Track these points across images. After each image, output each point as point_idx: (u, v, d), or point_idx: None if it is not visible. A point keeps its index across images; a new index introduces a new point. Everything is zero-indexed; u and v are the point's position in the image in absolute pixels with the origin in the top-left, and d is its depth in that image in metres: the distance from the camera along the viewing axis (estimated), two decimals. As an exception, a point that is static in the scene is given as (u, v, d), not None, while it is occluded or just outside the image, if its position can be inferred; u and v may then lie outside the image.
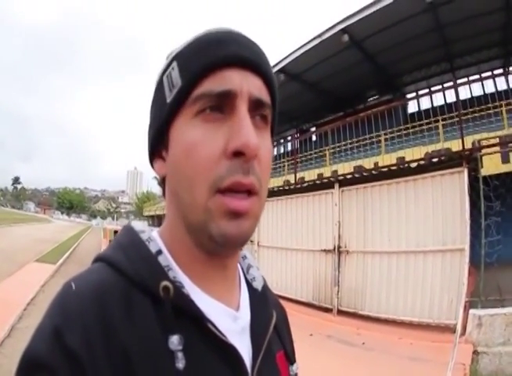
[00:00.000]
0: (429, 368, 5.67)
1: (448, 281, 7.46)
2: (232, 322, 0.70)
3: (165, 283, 0.62)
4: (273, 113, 0.73)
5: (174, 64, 0.67)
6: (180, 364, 0.58)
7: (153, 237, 0.70)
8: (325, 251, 10.35)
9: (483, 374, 5.58)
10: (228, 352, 0.64)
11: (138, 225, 0.74)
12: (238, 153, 0.61)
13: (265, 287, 0.86)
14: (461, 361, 5.47)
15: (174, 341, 0.58)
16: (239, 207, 0.61)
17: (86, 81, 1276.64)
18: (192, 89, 0.63)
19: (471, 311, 6.32)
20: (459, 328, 6.30)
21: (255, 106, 0.66)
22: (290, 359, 0.83)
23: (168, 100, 0.67)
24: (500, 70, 17.64)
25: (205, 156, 0.61)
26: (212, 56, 0.64)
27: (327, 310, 9.89)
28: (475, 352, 5.87)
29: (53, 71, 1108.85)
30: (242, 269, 0.85)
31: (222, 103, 0.63)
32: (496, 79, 18.30)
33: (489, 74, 17.70)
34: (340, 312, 9.55)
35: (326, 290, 10.19)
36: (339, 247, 9.96)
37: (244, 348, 0.68)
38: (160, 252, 0.67)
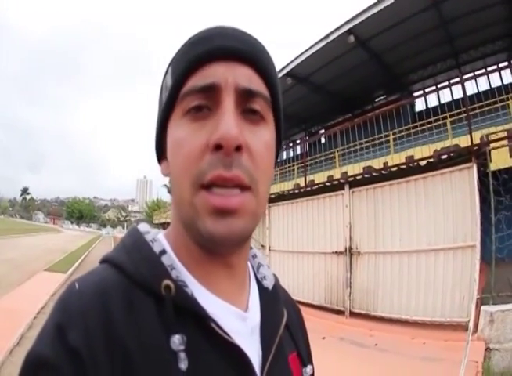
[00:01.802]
0: (442, 367, 5.64)
1: (460, 279, 7.42)
2: (240, 322, 0.68)
3: (167, 281, 0.61)
4: (275, 103, 0.69)
5: (169, 68, 0.68)
6: (182, 365, 0.56)
7: (158, 238, 0.70)
8: (336, 253, 10.36)
9: (495, 370, 5.53)
10: (233, 352, 0.62)
11: (144, 226, 0.74)
12: (218, 146, 0.58)
13: (277, 285, 0.83)
14: (474, 359, 5.43)
15: (176, 340, 0.57)
16: (227, 205, 0.59)
17: (95, 90, 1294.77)
18: (180, 88, 0.63)
19: (483, 308, 6.27)
20: (471, 325, 6.25)
21: (245, 96, 0.63)
22: (304, 360, 0.79)
23: (163, 102, 0.68)
24: (505, 63, 17.50)
25: (188, 152, 0.61)
26: (194, 52, 0.63)
27: (339, 312, 9.89)
28: (487, 349, 5.84)
29: (61, 81, 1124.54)
30: (252, 268, 0.82)
31: (209, 99, 0.62)
32: (502, 72, 18.28)
33: (495, 67, 17.58)
34: (353, 314, 9.55)
35: (338, 292, 10.19)
36: (350, 248, 9.97)
37: (254, 349, 0.67)
38: (163, 252, 0.67)
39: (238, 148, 0.59)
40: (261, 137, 0.65)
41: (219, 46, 0.62)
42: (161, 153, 0.72)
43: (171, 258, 0.66)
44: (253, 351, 0.66)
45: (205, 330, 0.61)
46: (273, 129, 0.69)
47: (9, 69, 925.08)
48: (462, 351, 5.43)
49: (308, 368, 0.79)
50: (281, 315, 0.77)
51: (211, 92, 0.61)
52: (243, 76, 0.63)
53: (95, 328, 0.54)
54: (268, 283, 0.80)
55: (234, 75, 0.62)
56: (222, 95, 0.61)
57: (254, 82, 0.64)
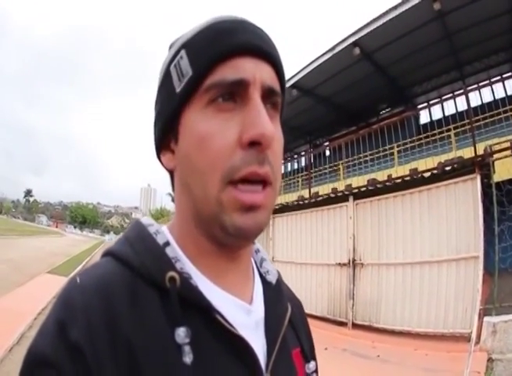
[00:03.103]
0: (444, 378, 5.58)
1: (463, 290, 7.38)
2: (245, 315, 0.68)
3: (171, 273, 0.61)
4: (282, 101, 0.71)
5: (183, 53, 0.65)
6: (187, 358, 0.56)
7: (161, 230, 0.70)
8: (340, 264, 10.34)
9: (498, 380, 5.48)
10: (239, 345, 0.62)
11: (147, 219, 0.73)
12: (253, 143, 0.59)
13: (280, 280, 0.83)
14: (476, 369, 5.40)
15: (181, 333, 0.57)
16: (255, 201, 0.60)
17: (102, 96, 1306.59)
18: (204, 78, 0.62)
19: (486, 318, 6.28)
20: (473, 336, 6.23)
21: (268, 94, 0.64)
22: (307, 356, 0.79)
23: (178, 90, 0.64)
24: (509, 74, 17.52)
25: (219, 146, 0.60)
26: (225, 44, 0.62)
27: (342, 324, 9.85)
28: (490, 360, 5.81)
29: (68, 86, 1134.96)
30: (255, 262, 0.83)
31: (235, 92, 0.62)
32: (506, 83, 18.38)
33: (498, 78, 17.61)
34: (355, 326, 9.49)
35: (340, 303, 10.15)
36: (354, 260, 9.94)
37: (258, 343, 0.67)
38: (167, 244, 0.66)
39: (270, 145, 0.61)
40: (279, 133, 0.67)
41: (248, 43, 0.63)
42: (164, 144, 0.70)
43: (174, 250, 0.66)
44: (257, 344, 0.66)
45: (210, 322, 0.60)
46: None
47: (16, 71, 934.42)
48: (464, 362, 5.41)
49: (311, 364, 0.79)
50: (285, 309, 0.77)
51: (239, 87, 0.61)
52: (267, 74, 0.64)
53: (98, 324, 0.54)
54: (272, 278, 0.81)
55: (261, 72, 0.63)
56: (250, 91, 0.61)
57: (274, 82, 0.65)
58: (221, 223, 0.61)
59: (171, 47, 0.71)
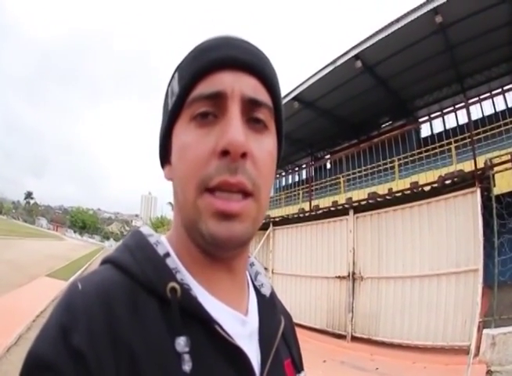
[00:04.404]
0: (442, 391, 5.55)
1: (462, 303, 7.37)
2: (240, 326, 0.69)
3: (173, 284, 0.62)
4: (277, 113, 0.72)
5: (176, 74, 0.70)
6: (187, 366, 0.57)
7: (161, 241, 0.71)
8: (339, 277, 10.34)
9: (496, 392, 5.45)
10: (236, 355, 0.64)
11: (147, 229, 0.75)
12: (225, 152, 0.60)
13: (273, 293, 0.85)
14: (475, 382, 5.35)
15: (181, 342, 0.58)
16: (229, 209, 0.61)
17: (105, 102, 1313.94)
18: (187, 95, 0.65)
19: (485, 331, 6.26)
20: (472, 349, 6.19)
21: (250, 106, 0.65)
22: (297, 367, 0.82)
23: (169, 108, 0.69)
24: (510, 86, 17.57)
25: (195, 156, 0.62)
26: (203, 60, 0.65)
27: (341, 337, 9.81)
28: (488, 372, 5.78)
29: (70, 91, 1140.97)
30: (250, 275, 0.84)
31: (216, 107, 0.63)
32: (507, 96, 18.39)
33: (499, 90, 17.67)
34: (354, 339, 9.47)
35: (340, 316, 10.14)
36: (353, 273, 9.95)
37: (253, 353, 0.68)
38: (167, 255, 0.67)
39: (243, 155, 0.61)
40: (265, 146, 0.67)
41: (227, 56, 0.64)
42: (165, 158, 0.74)
43: (175, 262, 0.67)
44: (252, 355, 0.66)
45: (209, 332, 0.62)
46: (275, 138, 0.72)
47: (18, 74, 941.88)
48: (463, 374, 5.39)
49: (302, 374, 0.81)
50: (278, 322, 0.79)
51: (218, 100, 0.63)
52: (249, 86, 0.65)
53: (100, 329, 0.54)
54: (266, 291, 0.82)
55: (240, 84, 0.64)
56: (228, 103, 0.63)
57: (259, 92, 0.66)
58: (199, 230, 0.62)
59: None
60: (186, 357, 0.57)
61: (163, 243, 0.70)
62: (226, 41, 0.67)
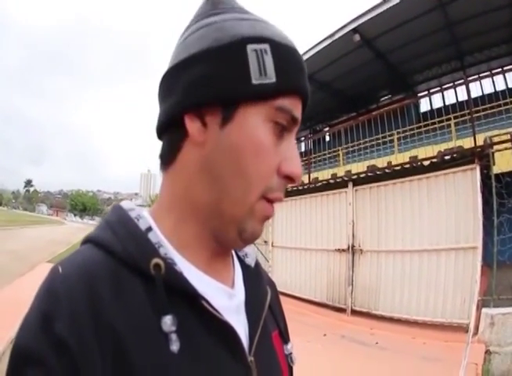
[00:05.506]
0: (441, 368, 5.62)
1: (461, 280, 7.41)
2: (227, 300, 0.69)
3: (156, 260, 0.60)
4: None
5: (267, 48, 0.63)
6: (174, 346, 0.56)
7: (143, 215, 0.69)
8: (339, 250, 10.34)
9: (495, 373, 5.51)
10: (225, 330, 0.63)
11: (128, 203, 0.72)
12: (287, 176, 0.66)
13: (258, 263, 0.85)
14: (473, 361, 5.42)
15: (168, 321, 0.57)
16: (272, 215, 0.69)
17: (99, 83, 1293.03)
18: (278, 96, 0.63)
19: (484, 310, 6.23)
20: (471, 327, 6.23)
21: None
22: (285, 338, 0.82)
23: (254, 82, 0.61)
24: (510, 67, 17.44)
25: (269, 165, 0.64)
26: (298, 80, 0.66)
27: (341, 310, 9.87)
28: (487, 352, 5.81)
29: (66, 73, 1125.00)
30: None
31: (287, 126, 0.66)
32: (507, 76, 18.31)
33: (499, 70, 17.53)
34: (354, 312, 9.53)
35: (339, 290, 10.17)
36: (353, 246, 9.95)
37: (240, 327, 0.68)
38: (150, 229, 0.65)
39: None
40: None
41: (305, 89, 0.68)
42: (197, 109, 0.64)
43: (157, 236, 0.65)
44: (240, 328, 0.67)
45: (196, 308, 0.61)
46: None
47: (13, 62, 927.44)
48: (462, 352, 5.40)
49: (289, 345, 0.81)
50: (265, 293, 0.79)
51: (292, 123, 0.67)
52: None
53: (83, 314, 0.53)
54: (250, 261, 0.82)
55: (299, 116, 0.68)
56: (294, 129, 0.68)
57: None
58: (243, 227, 0.65)
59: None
60: (173, 337, 0.56)
61: (144, 217, 0.68)
62: (303, 62, 0.68)
